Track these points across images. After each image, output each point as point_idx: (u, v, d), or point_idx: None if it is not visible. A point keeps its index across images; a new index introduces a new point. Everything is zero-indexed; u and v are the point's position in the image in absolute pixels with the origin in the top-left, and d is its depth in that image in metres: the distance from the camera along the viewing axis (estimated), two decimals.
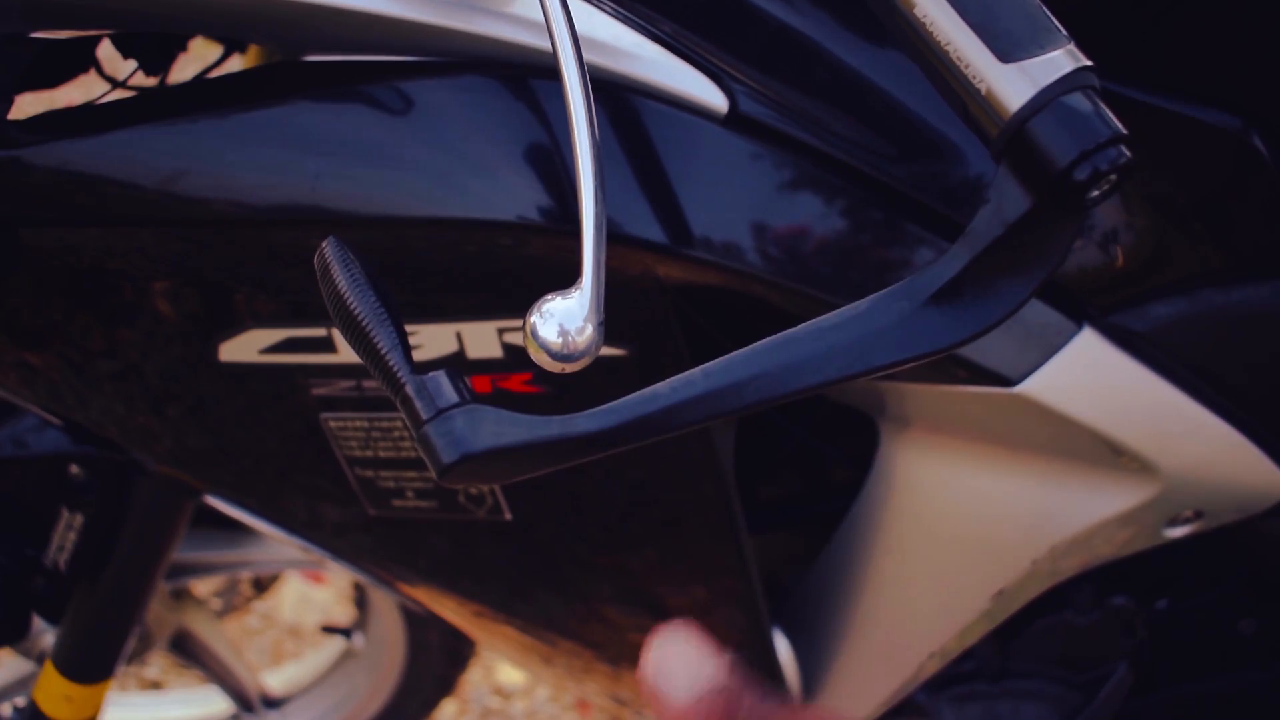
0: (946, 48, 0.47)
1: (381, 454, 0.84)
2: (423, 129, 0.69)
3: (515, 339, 0.75)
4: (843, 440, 0.98)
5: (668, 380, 0.49)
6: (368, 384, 0.80)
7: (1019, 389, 0.76)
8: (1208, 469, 0.82)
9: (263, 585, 1.61)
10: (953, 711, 1.00)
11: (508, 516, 0.87)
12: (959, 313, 0.49)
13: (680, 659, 0.51)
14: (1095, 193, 0.46)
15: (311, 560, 1.30)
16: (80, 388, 0.85)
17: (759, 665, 0.97)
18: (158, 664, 1.86)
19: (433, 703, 1.58)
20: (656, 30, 0.70)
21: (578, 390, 0.76)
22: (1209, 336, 0.78)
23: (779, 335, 0.50)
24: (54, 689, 1.05)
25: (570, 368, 0.50)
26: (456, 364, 0.77)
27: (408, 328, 0.75)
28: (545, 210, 0.68)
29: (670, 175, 0.69)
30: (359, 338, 0.48)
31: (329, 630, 1.60)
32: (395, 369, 0.47)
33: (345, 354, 0.78)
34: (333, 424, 0.83)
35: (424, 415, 0.47)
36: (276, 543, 1.23)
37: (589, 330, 0.50)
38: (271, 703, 1.57)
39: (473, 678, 1.89)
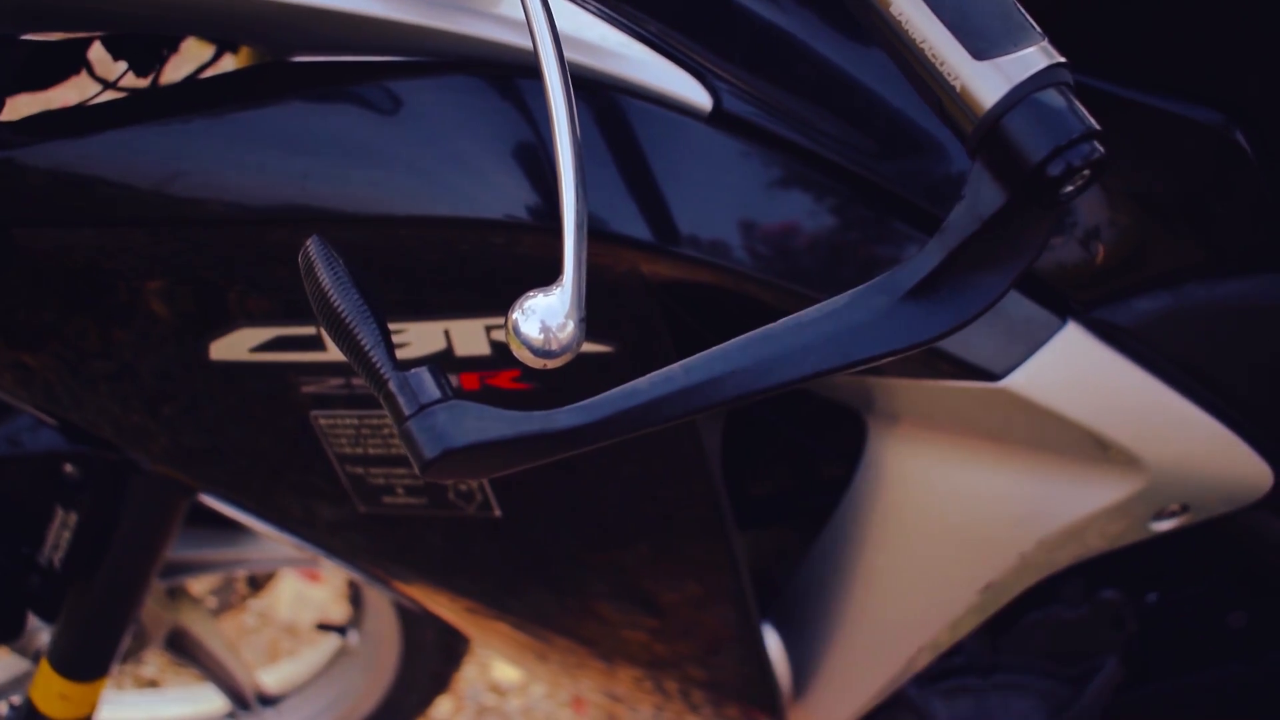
0: (922, 45, 0.48)
1: (371, 451, 0.85)
2: (411, 128, 0.69)
3: (503, 335, 0.76)
4: (831, 436, 0.98)
5: (648, 375, 0.49)
6: (357, 382, 0.80)
7: (1004, 383, 0.76)
8: (1193, 462, 0.82)
9: (258, 583, 1.61)
10: (943, 705, 1.01)
11: (497, 513, 0.87)
12: (936, 307, 0.50)
13: None
14: (1069, 188, 0.47)
15: (306, 558, 1.30)
16: (75, 387, 0.86)
17: (749, 660, 0.98)
18: (154, 662, 1.87)
19: (428, 700, 1.59)
20: (641, 29, 0.71)
21: (565, 387, 0.76)
22: (1193, 331, 0.79)
23: (758, 330, 0.50)
24: (49, 687, 1.05)
25: (552, 364, 0.50)
26: (444, 362, 0.77)
27: (396, 325, 0.76)
28: (532, 208, 0.68)
29: (655, 173, 0.70)
30: (342, 335, 0.49)
31: (324, 628, 1.60)
32: (378, 365, 0.48)
33: (335, 352, 0.79)
34: (323, 421, 0.84)
35: (406, 411, 0.47)
36: (271, 541, 1.23)
37: (570, 327, 0.50)
38: (267, 701, 1.57)
39: (468, 675, 1.89)
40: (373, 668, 1.54)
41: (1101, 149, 0.46)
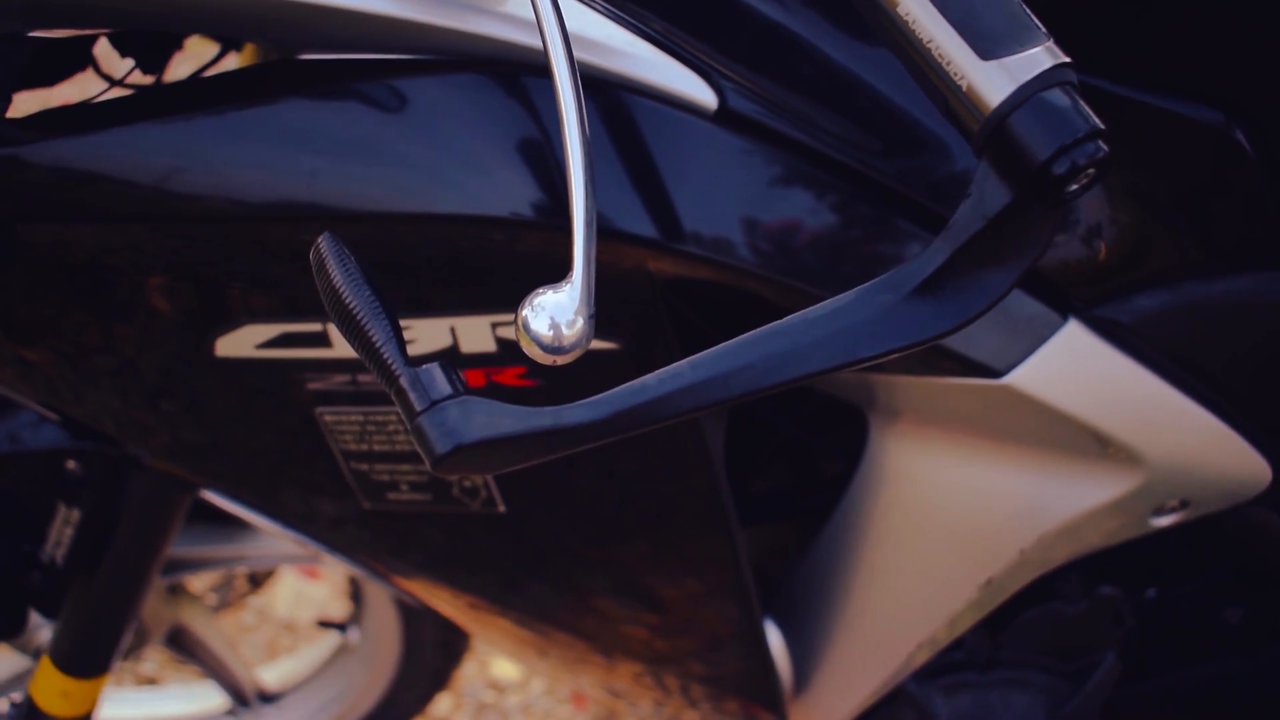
0: (929, 45, 0.48)
1: (376, 448, 0.85)
2: (417, 126, 0.70)
3: (509, 333, 0.76)
4: (832, 433, 0.99)
5: (656, 372, 0.50)
6: (363, 378, 0.81)
7: (1006, 380, 0.76)
8: (1193, 459, 0.83)
9: (258, 580, 1.61)
10: (943, 701, 1.01)
11: (501, 509, 0.88)
12: (942, 305, 0.50)
13: None
14: (1074, 186, 0.47)
15: (307, 554, 1.31)
16: (76, 383, 0.86)
17: (751, 656, 0.98)
18: (154, 659, 1.87)
19: (428, 697, 1.59)
20: (646, 28, 0.71)
21: (571, 384, 0.77)
22: (1193, 328, 0.79)
23: (765, 328, 0.51)
24: (50, 684, 1.05)
25: (561, 360, 0.51)
26: (450, 358, 0.77)
27: (401, 322, 0.76)
28: (538, 205, 0.69)
29: (661, 171, 0.70)
30: (354, 331, 0.49)
31: (325, 625, 1.60)
32: (390, 361, 0.48)
33: (340, 348, 0.79)
34: (328, 418, 0.84)
35: (418, 407, 0.48)
36: (272, 537, 1.24)
37: (580, 323, 0.51)
38: (267, 698, 1.57)
39: (468, 672, 1.89)
40: (373, 665, 1.54)
41: (1106, 148, 0.47)
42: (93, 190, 0.72)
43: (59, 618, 1.05)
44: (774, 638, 1.01)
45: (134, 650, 1.38)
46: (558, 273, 0.53)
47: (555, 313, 0.50)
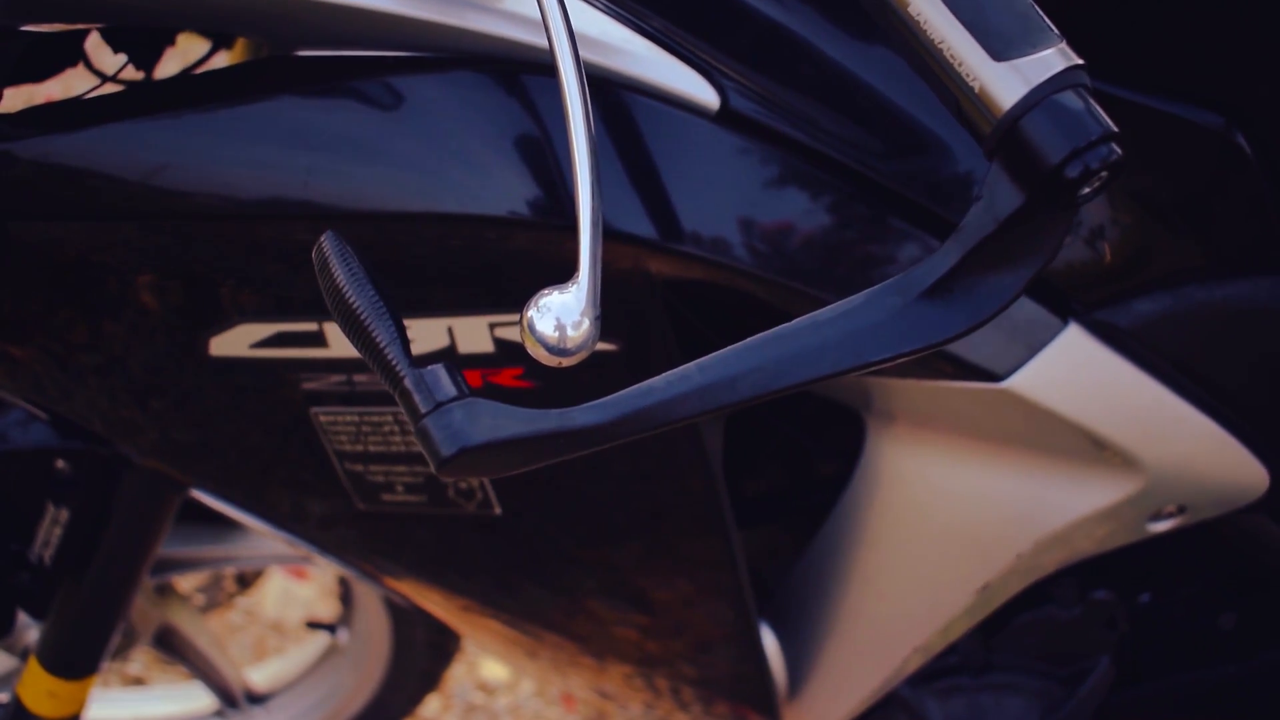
0: (940, 46, 0.48)
1: (372, 449, 0.84)
2: (414, 124, 0.69)
3: (506, 334, 0.75)
4: (829, 435, 0.98)
5: (663, 375, 0.49)
6: (358, 378, 0.80)
7: (1005, 384, 0.76)
8: (1191, 464, 0.83)
9: (246, 581, 1.60)
10: (937, 705, 1.01)
11: (497, 511, 0.87)
12: (952, 308, 0.50)
13: None
14: (1086, 190, 0.47)
15: (297, 555, 1.30)
16: (64, 380, 0.85)
17: (747, 659, 0.98)
18: (141, 660, 1.85)
19: (417, 698, 1.58)
20: (647, 26, 0.71)
21: (568, 385, 0.76)
22: (1193, 332, 0.79)
23: (773, 330, 0.50)
24: (38, 685, 1.04)
25: (567, 362, 0.50)
26: (448, 359, 0.77)
27: None
28: (536, 205, 0.68)
29: (661, 171, 0.70)
30: (357, 331, 0.49)
31: (314, 626, 1.59)
32: (394, 362, 0.48)
33: (336, 348, 0.78)
34: (323, 418, 0.83)
35: (423, 408, 0.47)
36: (262, 537, 1.23)
37: (586, 325, 0.50)
38: (255, 699, 1.56)
39: (456, 673, 1.89)
40: (362, 666, 1.53)
41: (1119, 151, 0.46)
42: (84, 187, 0.71)
43: (47, 618, 1.04)
44: (768, 641, 1.01)
45: (122, 651, 1.37)
46: (557, 273, 0.52)
47: (561, 314, 0.50)
